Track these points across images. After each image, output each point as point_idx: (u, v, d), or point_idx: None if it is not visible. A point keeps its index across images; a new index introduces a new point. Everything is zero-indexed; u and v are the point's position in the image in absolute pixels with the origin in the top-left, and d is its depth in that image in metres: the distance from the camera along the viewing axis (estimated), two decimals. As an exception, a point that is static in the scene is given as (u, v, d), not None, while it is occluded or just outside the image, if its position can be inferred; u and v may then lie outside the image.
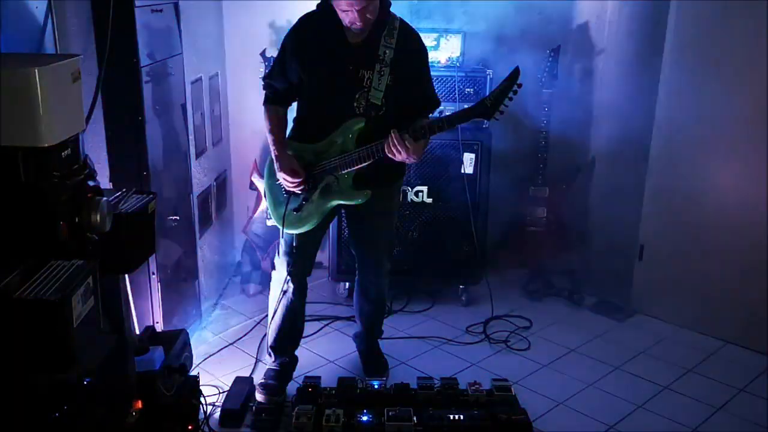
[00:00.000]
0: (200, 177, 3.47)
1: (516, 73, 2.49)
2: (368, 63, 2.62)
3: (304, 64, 2.67)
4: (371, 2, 2.50)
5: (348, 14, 2.50)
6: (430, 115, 2.85)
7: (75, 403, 1.73)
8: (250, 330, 3.51)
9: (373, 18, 2.57)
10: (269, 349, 3.06)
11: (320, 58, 2.65)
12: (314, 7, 2.71)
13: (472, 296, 3.87)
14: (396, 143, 2.52)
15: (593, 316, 3.81)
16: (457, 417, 2.65)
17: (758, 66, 3.20)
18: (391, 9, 2.70)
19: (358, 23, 2.52)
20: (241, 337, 3.46)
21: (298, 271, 2.88)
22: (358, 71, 2.63)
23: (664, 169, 3.62)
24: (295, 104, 2.85)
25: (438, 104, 2.84)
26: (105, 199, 1.74)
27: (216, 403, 2.87)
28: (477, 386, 2.85)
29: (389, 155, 2.57)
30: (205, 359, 3.23)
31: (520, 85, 2.50)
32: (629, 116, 3.72)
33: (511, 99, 2.51)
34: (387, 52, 2.61)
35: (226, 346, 3.38)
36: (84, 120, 1.78)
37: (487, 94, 2.63)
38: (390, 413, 2.63)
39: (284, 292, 2.90)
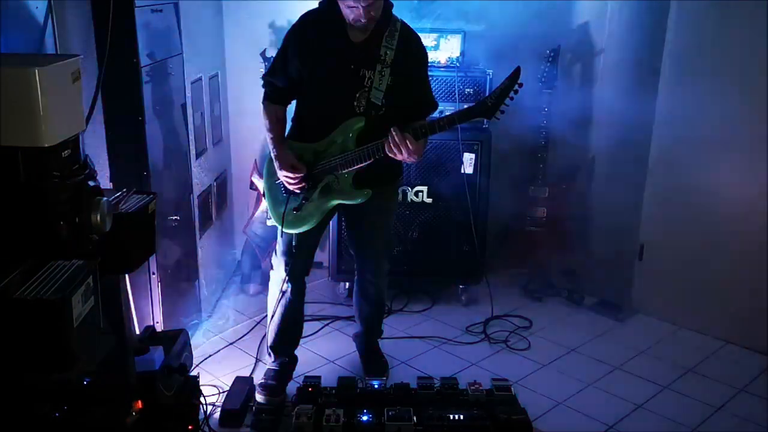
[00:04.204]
0: (200, 177, 3.47)
1: (517, 72, 2.49)
2: (369, 62, 2.62)
3: (305, 62, 2.66)
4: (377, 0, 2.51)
5: (354, 11, 2.51)
6: (428, 117, 2.84)
7: (75, 403, 1.73)
8: (250, 330, 3.52)
9: (377, 16, 2.57)
10: (269, 349, 3.06)
11: (322, 56, 2.65)
12: (316, 5, 2.71)
13: (472, 296, 3.87)
14: (397, 141, 2.52)
15: (593, 316, 3.81)
16: (457, 417, 2.65)
17: (758, 66, 3.20)
18: (393, 9, 2.70)
19: (362, 20, 2.52)
20: (241, 337, 3.46)
21: (297, 270, 2.88)
22: (360, 70, 2.63)
23: (664, 169, 3.62)
24: (293, 103, 2.85)
25: (435, 107, 2.84)
26: (105, 199, 1.74)
27: (216, 403, 2.88)
28: (477, 386, 2.85)
29: (389, 154, 2.57)
30: (205, 359, 3.23)
31: (521, 85, 2.50)
32: (629, 116, 3.71)
33: (512, 98, 2.51)
34: (388, 52, 2.62)
35: (226, 346, 3.38)
36: (84, 120, 1.78)
37: (488, 93, 2.63)
38: (390, 413, 2.63)
39: (283, 292, 2.90)
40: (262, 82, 2.82)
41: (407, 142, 2.52)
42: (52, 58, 1.71)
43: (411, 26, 2.74)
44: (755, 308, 3.36)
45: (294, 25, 2.72)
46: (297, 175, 2.68)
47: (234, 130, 4.09)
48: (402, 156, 2.56)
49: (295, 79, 2.71)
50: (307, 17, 2.71)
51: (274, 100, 2.78)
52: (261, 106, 2.80)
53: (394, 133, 2.53)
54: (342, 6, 2.53)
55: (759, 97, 3.22)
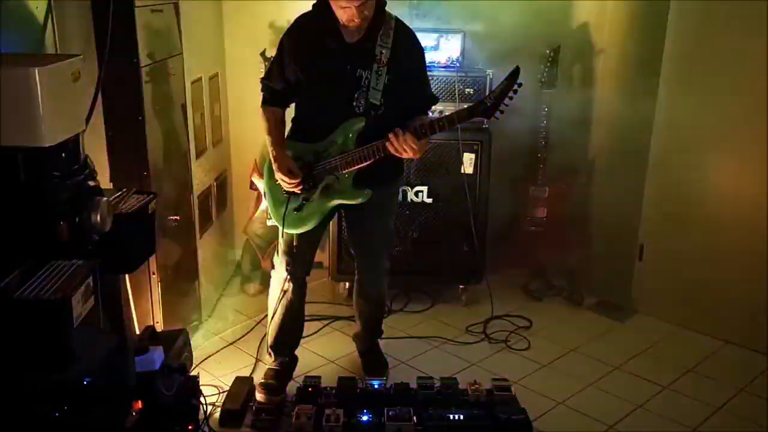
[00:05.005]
0: (200, 177, 3.47)
1: (516, 72, 2.49)
2: (366, 63, 2.62)
3: (302, 65, 2.67)
4: None
5: (346, 11, 2.50)
6: (429, 112, 2.85)
7: (75, 403, 1.73)
8: (250, 330, 3.51)
9: (369, 15, 2.57)
10: (269, 349, 3.06)
11: (318, 58, 2.65)
12: (310, 8, 2.71)
13: (472, 296, 3.87)
14: (400, 141, 2.52)
15: (593, 316, 3.81)
16: (457, 417, 2.66)
17: (758, 66, 3.20)
18: (392, 9, 2.70)
19: (355, 20, 2.52)
20: (241, 337, 3.46)
21: (298, 270, 2.88)
22: (356, 71, 2.63)
23: (664, 169, 3.62)
24: (293, 104, 2.85)
25: (436, 101, 2.84)
26: (105, 199, 1.74)
27: (216, 403, 2.88)
28: (477, 386, 2.86)
29: (393, 153, 2.57)
30: (205, 359, 3.23)
31: (520, 85, 2.50)
32: (629, 116, 3.72)
33: (511, 98, 2.51)
34: (384, 51, 2.61)
35: (226, 346, 3.38)
36: (84, 120, 1.78)
37: (488, 93, 2.63)
38: (390, 413, 2.63)
39: (284, 292, 2.90)
40: (260, 85, 2.82)
41: (409, 143, 2.52)
42: (52, 58, 1.71)
43: (409, 25, 2.74)
44: (755, 308, 3.36)
45: (288, 29, 2.72)
46: (293, 181, 2.68)
47: (234, 130, 4.09)
48: (405, 155, 2.57)
49: (292, 82, 2.71)
50: (301, 20, 2.71)
51: (272, 102, 2.78)
52: (260, 108, 2.80)
53: (398, 133, 2.53)
54: (335, 7, 2.53)
55: (759, 97, 3.22)
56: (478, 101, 2.61)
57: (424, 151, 2.64)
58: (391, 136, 2.53)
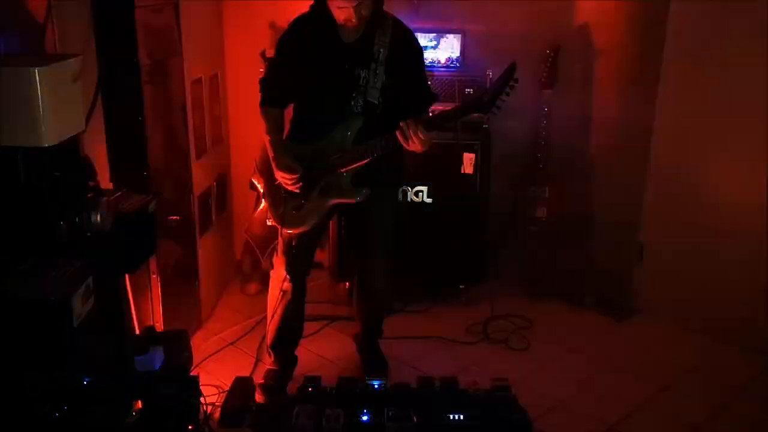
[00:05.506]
0: (200, 177, 3.47)
1: (512, 68, 2.49)
2: (364, 62, 2.63)
3: (300, 66, 2.67)
4: None
5: (344, 11, 2.51)
6: (429, 111, 2.85)
7: (75, 403, 1.73)
8: (250, 330, 3.52)
9: (366, 15, 2.58)
10: (269, 349, 3.06)
11: (316, 58, 2.66)
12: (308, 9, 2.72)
13: (472, 296, 3.87)
14: (411, 131, 2.51)
15: (593, 316, 3.81)
16: (457, 417, 2.65)
17: (758, 66, 3.20)
18: (392, 9, 2.70)
19: (353, 20, 2.53)
20: (241, 337, 3.46)
21: (297, 270, 2.88)
22: (354, 70, 2.64)
23: (665, 169, 3.62)
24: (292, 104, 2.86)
25: (435, 100, 2.83)
26: (105, 199, 1.75)
27: (216, 403, 2.88)
28: (477, 386, 2.85)
29: (404, 144, 2.56)
30: (205, 359, 3.23)
31: (516, 80, 2.49)
32: (629, 116, 3.72)
33: (508, 94, 2.50)
34: (381, 50, 2.62)
35: (226, 346, 3.38)
36: (84, 120, 1.78)
37: (486, 89, 2.63)
38: (390, 413, 2.63)
39: (283, 292, 2.90)
40: (259, 86, 2.82)
41: (419, 134, 2.51)
42: (52, 58, 1.71)
43: (409, 25, 2.75)
44: (755, 308, 3.36)
45: (286, 31, 2.73)
46: (293, 176, 2.68)
47: (234, 131, 4.09)
48: (414, 146, 2.55)
49: (290, 83, 2.72)
50: (299, 21, 2.72)
51: (271, 103, 2.79)
52: (259, 109, 2.80)
53: (406, 123, 2.52)
54: (332, 7, 2.54)
55: (759, 97, 3.22)
56: (474, 98, 2.60)
57: (429, 146, 2.63)
58: (402, 124, 2.53)
